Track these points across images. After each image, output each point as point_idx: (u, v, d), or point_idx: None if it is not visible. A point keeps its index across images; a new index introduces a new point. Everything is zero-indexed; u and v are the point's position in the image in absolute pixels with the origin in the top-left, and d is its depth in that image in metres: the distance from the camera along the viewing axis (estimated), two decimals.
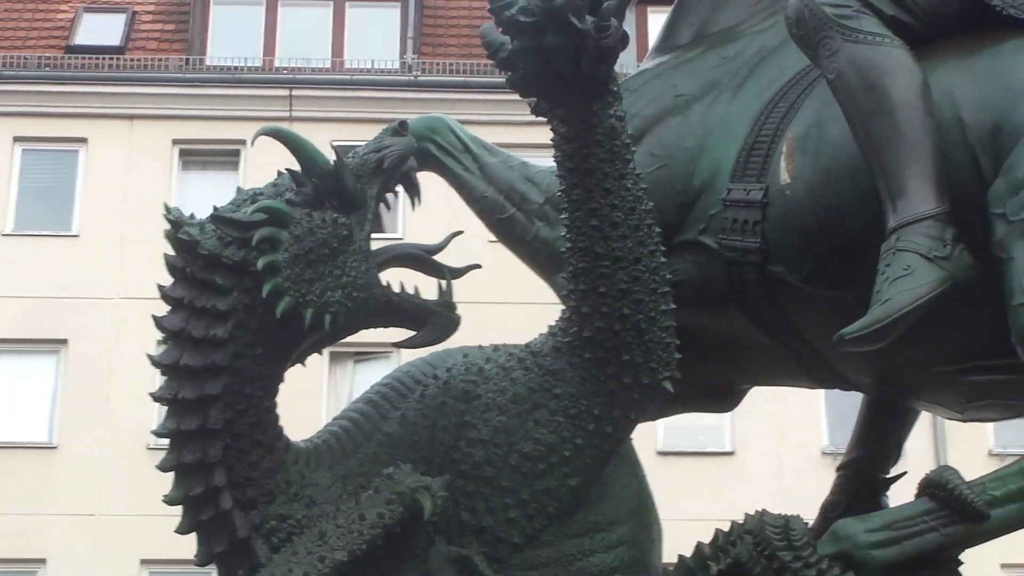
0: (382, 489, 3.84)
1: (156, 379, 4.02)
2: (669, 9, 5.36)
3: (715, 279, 4.52)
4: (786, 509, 4.20)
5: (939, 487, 4.03)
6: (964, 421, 5.10)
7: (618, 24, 3.84)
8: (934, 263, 4.02)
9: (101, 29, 28.27)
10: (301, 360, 4.15)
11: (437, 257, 4.17)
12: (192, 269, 3.89)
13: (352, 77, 27.55)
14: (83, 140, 26.92)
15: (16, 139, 26.87)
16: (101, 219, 25.95)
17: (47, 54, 27.55)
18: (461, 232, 4.37)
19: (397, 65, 27.95)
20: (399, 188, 4.22)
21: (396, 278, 4.09)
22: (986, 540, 4.11)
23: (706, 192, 4.65)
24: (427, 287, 4.11)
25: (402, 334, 4.18)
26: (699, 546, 4.02)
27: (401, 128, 4.15)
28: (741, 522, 4.05)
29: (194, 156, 27.62)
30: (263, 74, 27.80)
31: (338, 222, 3.91)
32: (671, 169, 4.54)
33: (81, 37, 27.92)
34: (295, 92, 27.04)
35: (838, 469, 5.12)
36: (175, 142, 27.20)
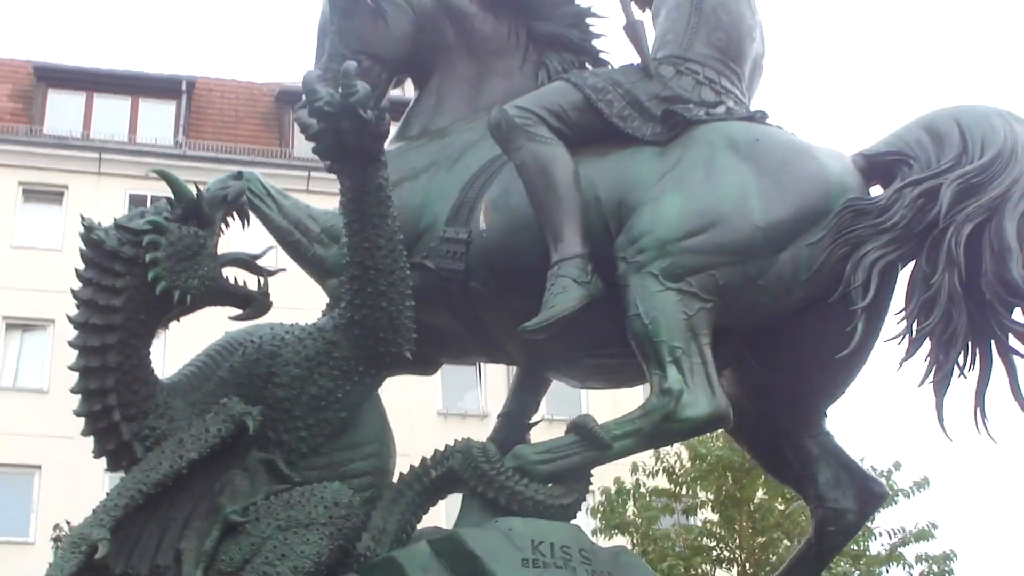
0: (220, 412, 4.88)
1: None
2: None
3: (432, 289, 5.52)
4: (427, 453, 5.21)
5: (581, 427, 5.14)
6: (582, 388, 6.35)
7: (387, 118, 4.88)
8: (580, 285, 5.22)
9: None
10: (166, 325, 5.12)
11: (259, 262, 5.21)
12: (99, 259, 4.86)
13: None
14: None
15: None
16: None
17: None
18: (272, 247, 5.59)
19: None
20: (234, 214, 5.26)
21: (231, 274, 5.15)
22: (609, 461, 5.21)
23: (427, 232, 5.68)
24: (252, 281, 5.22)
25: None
26: (422, 459, 5.11)
27: (238, 176, 5.31)
28: (453, 444, 5.10)
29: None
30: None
31: (197, 234, 4.95)
32: (404, 216, 5.30)
33: None
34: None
35: (498, 417, 6.24)
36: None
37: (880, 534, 19.70)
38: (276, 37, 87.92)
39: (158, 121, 37.13)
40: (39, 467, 31.82)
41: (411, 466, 5.18)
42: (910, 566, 19.70)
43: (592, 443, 5.12)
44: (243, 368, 5.13)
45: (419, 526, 5.22)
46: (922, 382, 5.31)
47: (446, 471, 5.09)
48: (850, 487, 5.60)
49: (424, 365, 5.90)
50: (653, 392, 5.15)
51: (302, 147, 36.26)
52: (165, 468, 4.75)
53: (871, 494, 5.66)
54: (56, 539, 20.29)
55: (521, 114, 5.56)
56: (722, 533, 19.17)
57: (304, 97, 5.15)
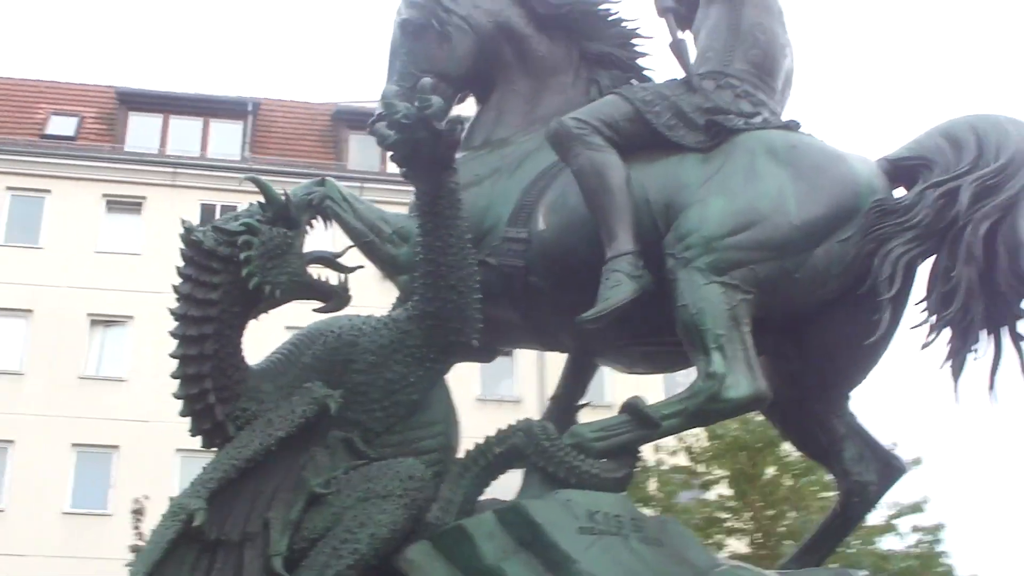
0: (305, 395, 4.83)
1: None
2: None
3: (494, 284, 5.40)
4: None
5: (632, 408, 5.10)
6: (630, 374, 6.27)
7: (461, 128, 4.85)
8: (632, 279, 5.18)
9: None
10: (257, 316, 5.07)
11: (340, 260, 5.13)
12: (197, 257, 4.87)
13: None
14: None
15: None
16: None
17: None
18: (351, 247, 5.57)
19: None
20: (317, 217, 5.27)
21: (315, 271, 5.09)
22: (658, 439, 5.26)
23: (491, 233, 5.60)
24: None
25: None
26: (486, 438, 5.04)
27: (321, 183, 5.32)
28: (515, 424, 5.05)
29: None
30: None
31: (285, 235, 4.94)
32: (469, 218, 5.18)
33: None
34: None
35: (550, 400, 6.17)
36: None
37: (877, 507, 19.61)
38: (332, 60, 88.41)
39: (227, 139, 37.58)
40: (117, 447, 32.20)
41: (476, 444, 5.12)
42: (904, 536, 19.63)
43: (643, 422, 5.10)
44: (325, 355, 5.07)
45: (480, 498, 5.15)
46: (942, 365, 5.29)
47: (509, 448, 5.03)
48: (872, 462, 5.58)
49: (485, 354, 5.82)
50: (699, 375, 5.11)
51: (356, 160, 37.27)
52: (256, 445, 4.72)
53: (891, 468, 5.64)
54: (136, 512, 20.42)
55: (578, 125, 5.55)
56: (735, 506, 19.16)
57: (383, 111, 5.14)
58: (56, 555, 29.88)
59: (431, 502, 4.86)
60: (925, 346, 5.28)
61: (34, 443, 31.72)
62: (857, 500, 5.58)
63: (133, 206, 35.54)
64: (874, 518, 19.72)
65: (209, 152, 37.11)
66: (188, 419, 4.97)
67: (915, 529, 19.83)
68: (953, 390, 5.29)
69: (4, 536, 30.14)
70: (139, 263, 33.66)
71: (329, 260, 5.20)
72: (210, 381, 4.88)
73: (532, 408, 23.26)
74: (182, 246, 4.95)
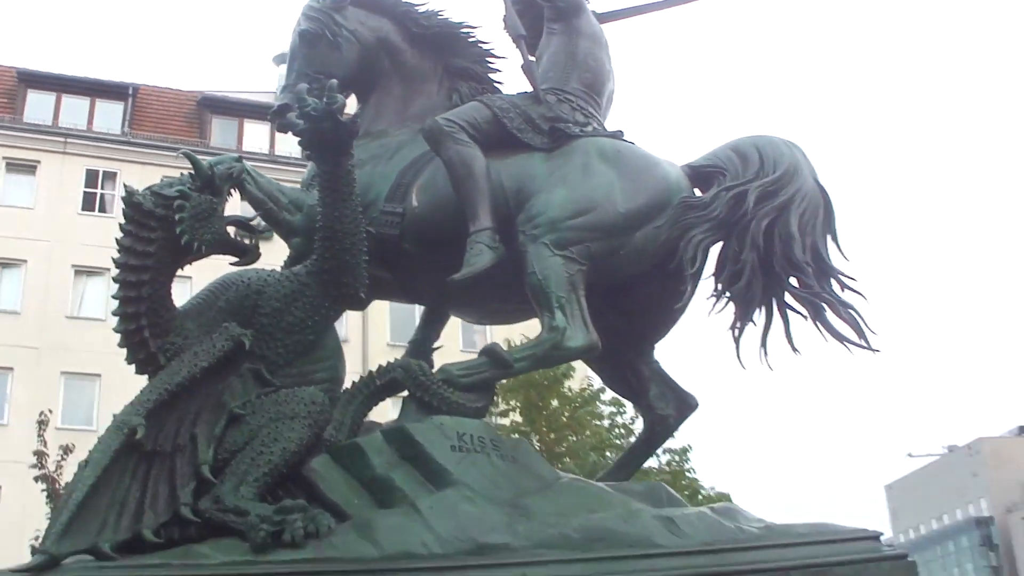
0: (223, 333, 4.72)
1: None
2: None
3: (373, 248, 5.19)
4: None
5: (491, 352, 5.15)
6: (479, 325, 6.39)
7: (359, 121, 4.85)
8: (491, 250, 5.21)
9: None
10: (183, 266, 4.88)
11: (252, 224, 5.09)
12: (137, 216, 4.69)
13: None
14: None
15: None
16: None
17: None
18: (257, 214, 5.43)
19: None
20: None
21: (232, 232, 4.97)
22: (510, 377, 5.46)
23: (371, 207, 5.45)
24: None
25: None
26: (369, 371, 5.03)
27: (238, 160, 5.05)
28: (394, 362, 5.08)
29: None
30: None
31: (211, 201, 4.79)
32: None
33: None
34: None
35: (409, 343, 6.02)
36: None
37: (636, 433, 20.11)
38: (199, 54, 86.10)
39: (110, 116, 36.19)
40: (100, 375, 30.22)
41: (360, 375, 5.10)
42: (659, 457, 20.19)
43: (499, 364, 5.13)
44: (237, 301, 4.96)
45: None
46: (730, 328, 5.43)
47: (389, 380, 5.02)
48: (672, 400, 5.70)
49: (361, 304, 5.65)
50: (544, 328, 5.15)
51: (216, 139, 36.82)
52: (184, 373, 4.58)
53: (686, 404, 5.76)
54: (39, 422, 19.60)
55: (448, 124, 5.54)
56: (526, 431, 19.38)
57: (296, 103, 4.95)
58: None
59: (328, 423, 4.80)
60: (712, 313, 5.42)
61: None
62: (660, 429, 5.70)
63: (29, 168, 34.13)
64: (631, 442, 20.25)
65: (95, 126, 35.70)
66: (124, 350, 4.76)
67: (666, 451, 20.37)
68: (736, 348, 5.42)
69: (5, 447, 28.75)
70: (33, 216, 32.77)
71: (244, 223, 5.11)
72: (145, 319, 4.71)
73: None
74: (124, 207, 4.75)
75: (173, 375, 4.59)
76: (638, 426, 20.55)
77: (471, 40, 6.20)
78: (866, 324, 5.42)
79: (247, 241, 5.08)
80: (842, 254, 5.59)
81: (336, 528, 4.23)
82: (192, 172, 4.87)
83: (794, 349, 5.47)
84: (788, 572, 4.25)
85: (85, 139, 34.80)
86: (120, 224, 4.78)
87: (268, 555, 4.08)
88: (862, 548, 4.46)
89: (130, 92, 36.77)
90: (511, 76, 6.18)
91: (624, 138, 5.81)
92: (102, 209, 33.63)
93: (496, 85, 6.21)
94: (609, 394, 18.48)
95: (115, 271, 4.75)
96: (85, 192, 33.98)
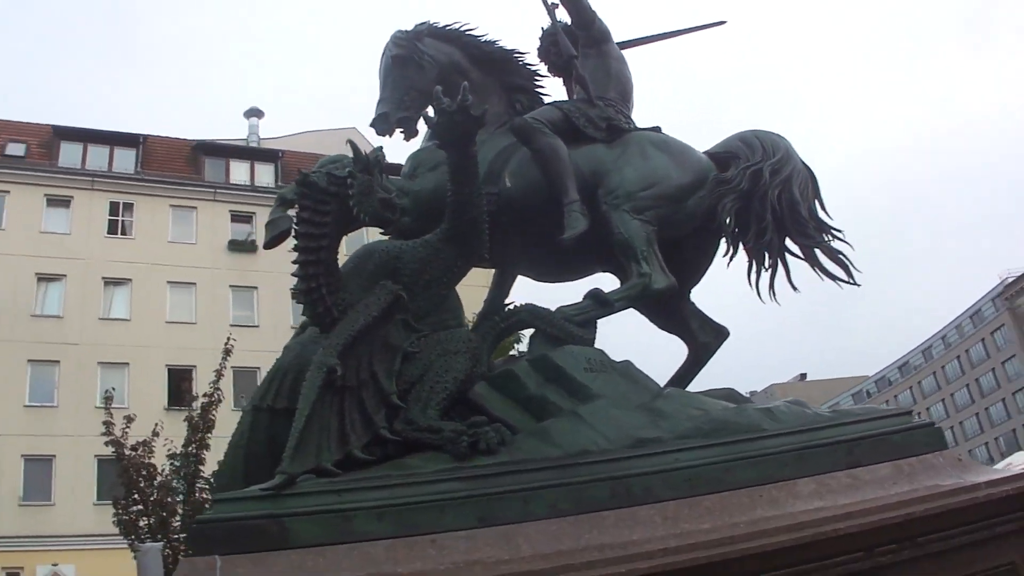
0: (382, 289, 4.23)
1: None
2: None
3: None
4: None
5: (595, 295, 4.71)
6: (542, 281, 5.49)
7: (484, 115, 4.26)
8: (584, 216, 4.85)
9: None
10: (346, 234, 4.35)
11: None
12: (313, 193, 4.18)
13: None
14: None
15: None
16: None
17: None
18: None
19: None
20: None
21: None
22: (612, 314, 4.72)
23: None
24: None
25: None
26: (494, 317, 4.59)
27: (380, 149, 4.56)
28: (518, 306, 4.61)
29: None
30: None
31: (369, 180, 4.26)
32: None
33: None
34: None
35: (485, 302, 5.31)
36: None
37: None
38: (194, 105, 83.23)
39: (125, 159, 34.48)
40: (128, 364, 29.02)
41: (489, 318, 4.69)
42: None
43: (602, 304, 4.77)
44: (382, 264, 4.47)
45: None
46: (748, 275, 5.24)
47: (514, 321, 4.62)
48: (710, 330, 5.41)
49: (484, 261, 5.05)
50: (633, 275, 4.85)
51: (209, 175, 35.32)
52: (361, 320, 4.08)
53: (720, 333, 5.46)
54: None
55: (535, 121, 5.21)
56: None
57: (435, 102, 4.37)
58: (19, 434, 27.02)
59: (480, 357, 4.37)
60: (732, 261, 5.25)
61: None
62: (703, 354, 5.39)
63: (64, 203, 32.44)
64: None
65: (114, 168, 33.94)
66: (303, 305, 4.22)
67: None
68: (756, 290, 5.23)
69: (56, 424, 27.31)
70: (69, 240, 31.28)
71: (387, 201, 4.49)
72: (323, 278, 4.20)
73: None
74: (298, 187, 4.21)
75: (352, 323, 4.10)
76: None
77: (521, 63, 5.78)
78: (853, 265, 5.29)
79: (389, 216, 4.50)
80: (827, 214, 5.44)
81: (515, 437, 3.85)
82: (353, 157, 4.34)
83: (794, 288, 5.27)
84: (858, 442, 4.05)
85: (107, 178, 33.20)
86: (298, 202, 4.24)
87: (471, 462, 3.69)
88: (901, 422, 4.30)
89: (141, 140, 35.12)
90: (553, 90, 5.81)
91: (662, 132, 5.54)
92: (123, 232, 32.46)
93: (543, 97, 5.77)
94: None
95: (294, 241, 4.21)
96: (109, 220, 32.47)
